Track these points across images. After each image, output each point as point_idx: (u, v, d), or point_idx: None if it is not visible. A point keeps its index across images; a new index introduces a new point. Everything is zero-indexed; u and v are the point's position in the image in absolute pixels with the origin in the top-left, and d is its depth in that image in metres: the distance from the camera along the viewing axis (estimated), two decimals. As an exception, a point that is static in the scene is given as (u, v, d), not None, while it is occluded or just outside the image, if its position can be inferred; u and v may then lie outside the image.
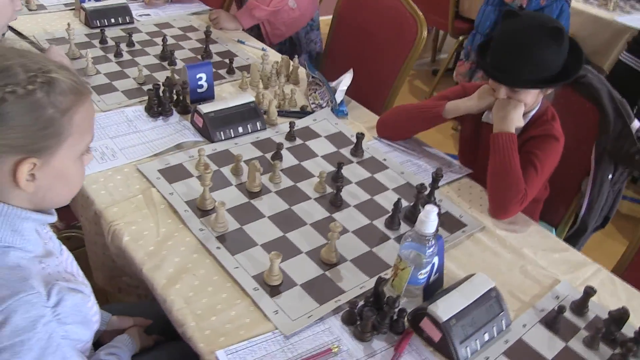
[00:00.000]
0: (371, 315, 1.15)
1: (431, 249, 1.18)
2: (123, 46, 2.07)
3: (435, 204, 1.43)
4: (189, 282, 1.22)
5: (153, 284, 1.21)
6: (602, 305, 1.34)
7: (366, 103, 2.05)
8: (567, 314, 1.30)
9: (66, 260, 1.07)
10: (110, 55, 2.03)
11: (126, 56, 2.05)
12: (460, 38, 3.88)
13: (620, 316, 1.27)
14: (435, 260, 1.24)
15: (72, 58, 1.97)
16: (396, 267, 1.22)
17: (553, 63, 1.55)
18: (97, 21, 2.21)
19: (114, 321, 1.29)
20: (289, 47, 2.63)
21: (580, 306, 1.32)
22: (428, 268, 1.21)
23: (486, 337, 1.20)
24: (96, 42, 2.11)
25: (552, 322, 1.28)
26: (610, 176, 1.97)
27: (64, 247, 1.08)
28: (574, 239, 2.09)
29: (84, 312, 0.96)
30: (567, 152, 1.72)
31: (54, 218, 0.96)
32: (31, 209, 0.92)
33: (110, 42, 2.11)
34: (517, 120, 1.62)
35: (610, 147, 1.91)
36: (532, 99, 1.64)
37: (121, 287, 1.54)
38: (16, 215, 0.88)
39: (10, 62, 0.83)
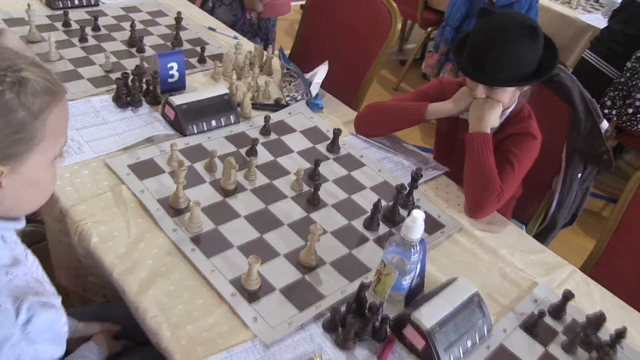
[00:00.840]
0: (354, 323, 1.12)
1: (416, 255, 1.15)
2: (88, 30, 1.96)
3: (415, 206, 1.41)
4: (163, 288, 1.16)
5: (124, 289, 1.15)
6: (577, 307, 1.34)
7: (338, 94, 2.00)
8: (546, 318, 1.30)
9: (31, 265, 1.00)
10: (75, 40, 1.92)
11: (91, 41, 1.94)
12: (429, 29, 3.86)
13: (597, 320, 1.27)
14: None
15: (33, 41, 1.86)
16: (379, 272, 1.19)
17: (530, 60, 1.55)
18: (60, 2, 2.09)
19: (80, 328, 1.23)
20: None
21: (558, 310, 1.33)
22: (412, 274, 1.18)
23: (469, 343, 1.18)
24: (59, 24, 1.99)
25: (532, 326, 1.27)
26: (579, 175, 1.99)
27: (28, 251, 1.01)
28: (543, 235, 2.10)
29: (56, 329, 0.90)
30: (539, 150, 1.72)
31: (21, 223, 0.89)
32: None
33: (74, 26, 2.00)
34: (493, 120, 1.61)
35: (581, 145, 1.92)
36: (509, 98, 1.63)
37: (86, 287, 1.46)
38: None
39: None
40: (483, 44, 1.54)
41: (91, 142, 1.48)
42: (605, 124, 1.91)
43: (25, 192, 0.85)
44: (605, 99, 2.98)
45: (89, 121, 1.55)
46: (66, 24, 1.99)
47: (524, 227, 2.08)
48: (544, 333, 1.28)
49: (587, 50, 3.20)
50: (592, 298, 1.40)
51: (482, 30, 1.56)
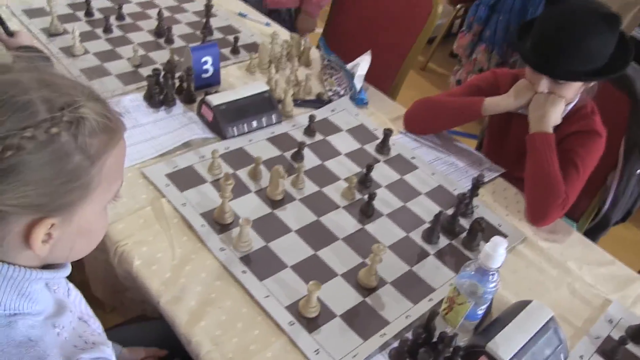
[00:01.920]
0: (428, 358, 1.02)
1: (494, 284, 1.04)
2: (112, 20, 1.82)
3: (479, 218, 1.29)
4: (215, 318, 1.06)
5: (174, 321, 1.05)
6: (657, 328, 1.23)
7: (374, 82, 1.87)
8: (625, 342, 1.20)
9: (74, 301, 0.90)
10: (99, 31, 1.79)
11: (116, 32, 1.81)
12: (458, 7, 3.68)
13: (685, 347, 1.17)
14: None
15: (55, 34, 1.72)
16: (452, 300, 1.08)
17: (603, 53, 1.41)
18: (80, -12, 1.95)
19: (125, 355, 1.14)
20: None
21: (638, 333, 1.22)
22: (488, 303, 1.08)
23: (547, 375, 1.08)
24: (81, 14, 1.85)
25: (611, 352, 1.18)
26: (638, 171, 1.87)
27: (70, 285, 0.90)
28: (594, 233, 1.99)
29: None
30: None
31: (67, 271, 0.78)
32: (41, 265, 0.74)
33: (98, 15, 1.86)
34: (555, 118, 1.48)
35: (641, 140, 1.80)
36: (573, 94, 1.50)
37: (124, 302, 1.37)
38: (24, 278, 0.70)
39: (31, 95, 0.63)
40: (554, 33, 1.39)
41: (125, 149, 1.36)
42: (668, 118, 1.78)
43: (76, 242, 0.74)
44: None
45: (121, 124, 1.43)
46: (88, 13, 1.85)
47: (575, 224, 1.97)
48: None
49: (638, 27, 3.00)
50: (670, 316, 1.30)
51: (553, 17, 1.41)
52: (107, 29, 1.79)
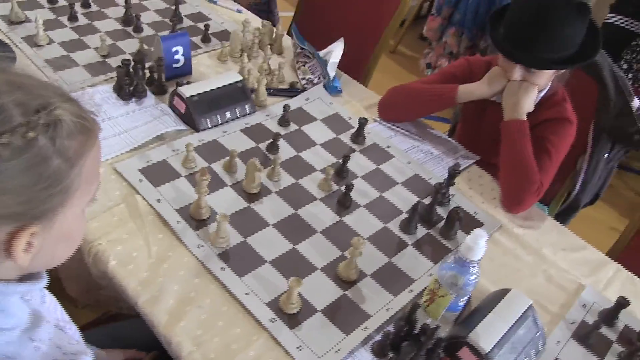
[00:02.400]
0: (410, 351, 1.02)
1: (475, 276, 1.05)
2: (77, 7, 1.75)
3: (457, 213, 1.29)
4: (195, 317, 1.04)
5: (153, 322, 1.03)
6: (628, 311, 1.26)
7: (345, 68, 1.84)
8: (598, 326, 1.23)
9: (49, 307, 0.87)
10: (63, 19, 1.72)
11: (82, 20, 1.74)
12: (428, -12, 3.68)
13: (656, 329, 1.21)
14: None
15: (16, 22, 1.65)
16: (433, 293, 1.09)
17: (574, 41, 1.42)
18: (41, -27, 1.87)
19: (103, 358, 1.11)
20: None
21: (610, 317, 1.25)
22: (469, 294, 1.08)
23: (526, 362, 1.10)
24: (43, 1, 1.77)
25: (585, 337, 1.20)
26: (606, 155, 1.90)
27: (45, 291, 0.87)
28: (564, 216, 2.03)
29: None
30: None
31: (44, 281, 0.75)
32: (18, 276, 0.71)
33: (62, 2, 1.78)
34: (529, 105, 1.49)
35: (609, 125, 1.83)
36: (546, 81, 1.51)
37: (99, 299, 1.34)
38: (0, 293, 0.67)
39: (2, 99, 0.60)
40: (527, 21, 1.40)
41: (96, 143, 1.32)
42: (636, 102, 1.81)
43: (57, 248, 0.71)
44: (622, 62, 2.87)
45: (90, 117, 1.38)
46: (52, 0, 1.78)
47: (546, 208, 2.00)
48: (599, 343, 1.20)
49: (609, 15, 3.04)
50: (640, 299, 1.33)
51: (526, 5, 1.41)
52: (72, 17, 1.72)
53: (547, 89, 1.55)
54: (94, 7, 1.82)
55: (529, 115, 1.51)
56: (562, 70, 1.52)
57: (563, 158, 1.56)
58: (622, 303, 1.23)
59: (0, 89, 0.61)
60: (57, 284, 1.28)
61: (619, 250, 1.73)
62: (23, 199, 0.61)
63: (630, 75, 2.86)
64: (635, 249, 1.71)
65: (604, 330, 1.23)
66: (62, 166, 0.63)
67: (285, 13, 3.69)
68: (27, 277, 0.73)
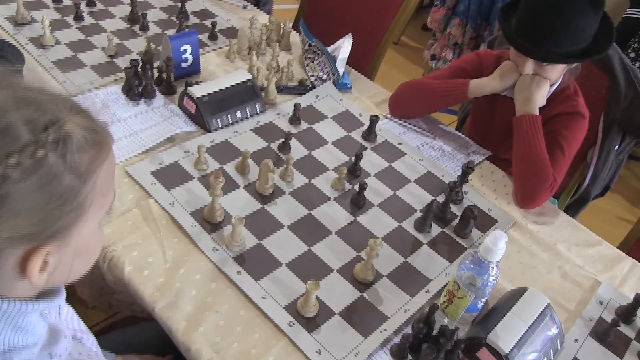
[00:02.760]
0: (430, 354, 1.02)
1: (494, 277, 1.04)
2: (83, 6, 1.73)
3: (472, 212, 1.28)
4: (213, 323, 1.04)
5: (171, 328, 1.02)
6: (645, 307, 1.25)
7: (354, 59, 1.82)
8: (616, 323, 1.22)
9: (66, 318, 0.87)
10: (69, 19, 1.70)
11: (88, 19, 1.72)
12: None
13: (675, 327, 1.20)
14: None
15: (22, 23, 1.64)
16: (451, 294, 1.08)
17: (587, 34, 1.40)
18: (45, -28, 1.84)
19: (118, 364, 1.11)
20: None
21: (628, 314, 1.24)
22: (488, 296, 1.08)
23: (545, 362, 1.10)
24: (48, 1, 1.76)
25: (604, 334, 1.20)
26: (616, 147, 1.89)
27: (62, 301, 0.86)
28: (574, 208, 2.03)
29: None
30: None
31: (63, 296, 0.74)
32: (35, 294, 0.70)
33: (66, 1, 1.77)
34: (541, 99, 1.48)
35: (620, 117, 1.81)
36: (558, 75, 1.50)
37: (112, 303, 1.33)
38: (19, 311, 0.66)
39: (10, 117, 0.58)
40: (540, 15, 1.37)
41: (107, 146, 1.31)
42: (648, 93, 1.79)
43: (74, 264, 0.70)
44: (629, 51, 2.85)
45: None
46: (57, -1, 1.77)
47: (556, 201, 1.99)
48: (617, 341, 1.20)
49: (629, 9, 3.01)
50: (657, 294, 1.32)
51: (533, 7, 1.40)
52: (78, 17, 1.70)
53: (558, 82, 1.54)
54: (99, 6, 1.80)
55: (541, 109, 1.49)
56: (574, 64, 1.50)
57: (575, 152, 1.55)
58: (640, 300, 1.22)
59: (8, 107, 0.59)
60: (69, 287, 1.28)
61: (630, 243, 1.73)
62: (36, 220, 0.60)
63: (637, 65, 2.84)
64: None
65: (622, 327, 1.22)
66: (74, 182, 0.61)
67: (285, 6, 3.66)
68: (45, 294, 0.72)
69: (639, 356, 1.18)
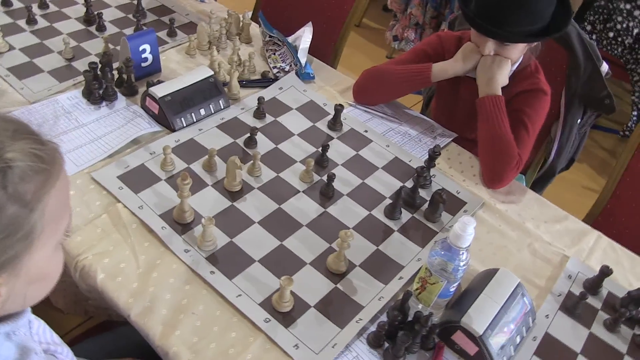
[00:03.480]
0: (406, 340, 1.03)
1: (464, 262, 1.06)
2: (35, 9, 1.69)
3: (441, 196, 1.30)
4: (189, 324, 1.04)
5: (148, 333, 1.02)
6: (611, 279, 1.29)
7: (316, 45, 1.81)
8: (584, 296, 1.26)
9: (37, 332, 0.86)
10: (21, 23, 1.65)
11: (42, 22, 1.68)
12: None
13: (639, 295, 1.24)
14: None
15: (-29, 30, 1.59)
16: (424, 280, 1.10)
17: (546, 13, 1.43)
18: (-10, -27, 1.79)
19: (95, 373, 1.10)
20: None
21: (594, 286, 1.28)
22: (459, 280, 1.10)
23: (518, 339, 1.12)
24: (-5, 5, 1.72)
25: (573, 307, 1.23)
26: (579, 120, 1.93)
27: (31, 316, 0.82)
28: (541, 183, 2.06)
29: None
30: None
31: (27, 315, 0.73)
32: None
33: (17, 4, 1.72)
34: (503, 79, 1.50)
35: (580, 90, 1.85)
36: (519, 54, 1.52)
37: (87, 310, 1.33)
38: None
39: None
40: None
41: (70, 153, 1.29)
42: (605, 67, 1.83)
43: (29, 291, 0.68)
44: (585, 23, 2.89)
45: (62, 126, 1.34)
46: (6, 2, 1.70)
47: (523, 177, 2.03)
48: (585, 313, 1.23)
49: None
50: (621, 265, 1.36)
51: None
52: (31, 20, 1.66)
53: (519, 61, 1.56)
54: (52, 8, 1.75)
55: (503, 89, 1.51)
56: (534, 44, 1.52)
57: (539, 129, 1.58)
58: (605, 272, 1.26)
59: None
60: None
61: (596, 215, 1.77)
62: None
63: (594, 37, 2.89)
64: (611, 212, 1.75)
65: (589, 299, 1.26)
66: (19, 212, 0.60)
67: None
68: (7, 316, 0.70)
69: (604, 324, 1.22)
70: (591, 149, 3.22)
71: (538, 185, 2.04)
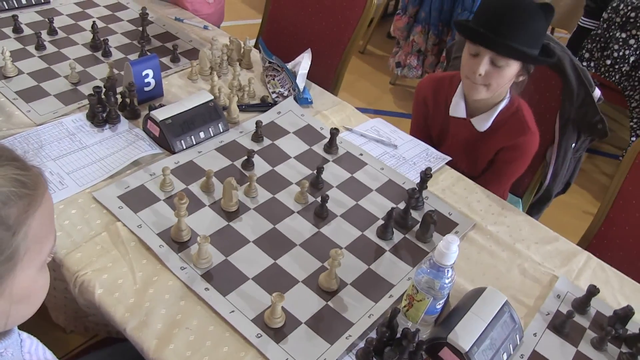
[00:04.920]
0: (393, 356, 1.06)
1: (450, 279, 1.09)
2: (44, 35, 1.76)
3: (432, 217, 1.34)
4: (183, 339, 1.07)
5: (143, 347, 1.05)
6: (599, 298, 1.31)
7: (313, 76, 1.88)
8: (572, 315, 1.28)
9: (29, 351, 0.87)
10: (31, 48, 1.73)
11: (50, 48, 1.75)
12: (392, -13, 3.72)
13: (625, 314, 1.26)
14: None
15: (-17, 55, 1.66)
16: (411, 298, 1.13)
17: (539, 39, 1.49)
18: (4, 2, 1.86)
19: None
20: None
21: (583, 305, 1.30)
22: (446, 297, 1.13)
23: (505, 357, 1.15)
24: (8, 30, 1.78)
25: (561, 326, 1.25)
26: (573, 145, 1.97)
27: (23, 335, 0.84)
28: (537, 206, 2.09)
29: None
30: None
31: (14, 335, 0.76)
32: None
33: (27, 31, 1.79)
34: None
35: (574, 115, 1.89)
36: (507, 82, 1.56)
37: (87, 326, 1.36)
38: None
39: None
40: (499, 12, 1.46)
41: (73, 173, 1.34)
42: (597, 92, 1.88)
43: (13, 311, 0.70)
44: (583, 51, 2.95)
45: (65, 147, 1.40)
46: (17, 29, 1.78)
47: (520, 200, 2.06)
48: (573, 332, 1.25)
49: (582, 18, 3.13)
50: (610, 285, 1.39)
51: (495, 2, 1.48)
52: (40, 46, 1.73)
53: (505, 102, 1.62)
54: (60, 34, 1.82)
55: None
56: (520, 78, 1.58)
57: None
58: (592, 291, 1.28)
59: None
60: (44, 312, 1.30)
61: (591, 237, 1.79)
62: None
63: (592, 64, 2.94)
64: (605, 235, 1.77)
65: (578, 318, 1.28)
66: (2, 235, 0.62)
67: (252, 21, 3.71)
68: None
69: (592, 343, 1.24)
70: (592, 173, 3.25)
71: (535, 209, 2.08)
